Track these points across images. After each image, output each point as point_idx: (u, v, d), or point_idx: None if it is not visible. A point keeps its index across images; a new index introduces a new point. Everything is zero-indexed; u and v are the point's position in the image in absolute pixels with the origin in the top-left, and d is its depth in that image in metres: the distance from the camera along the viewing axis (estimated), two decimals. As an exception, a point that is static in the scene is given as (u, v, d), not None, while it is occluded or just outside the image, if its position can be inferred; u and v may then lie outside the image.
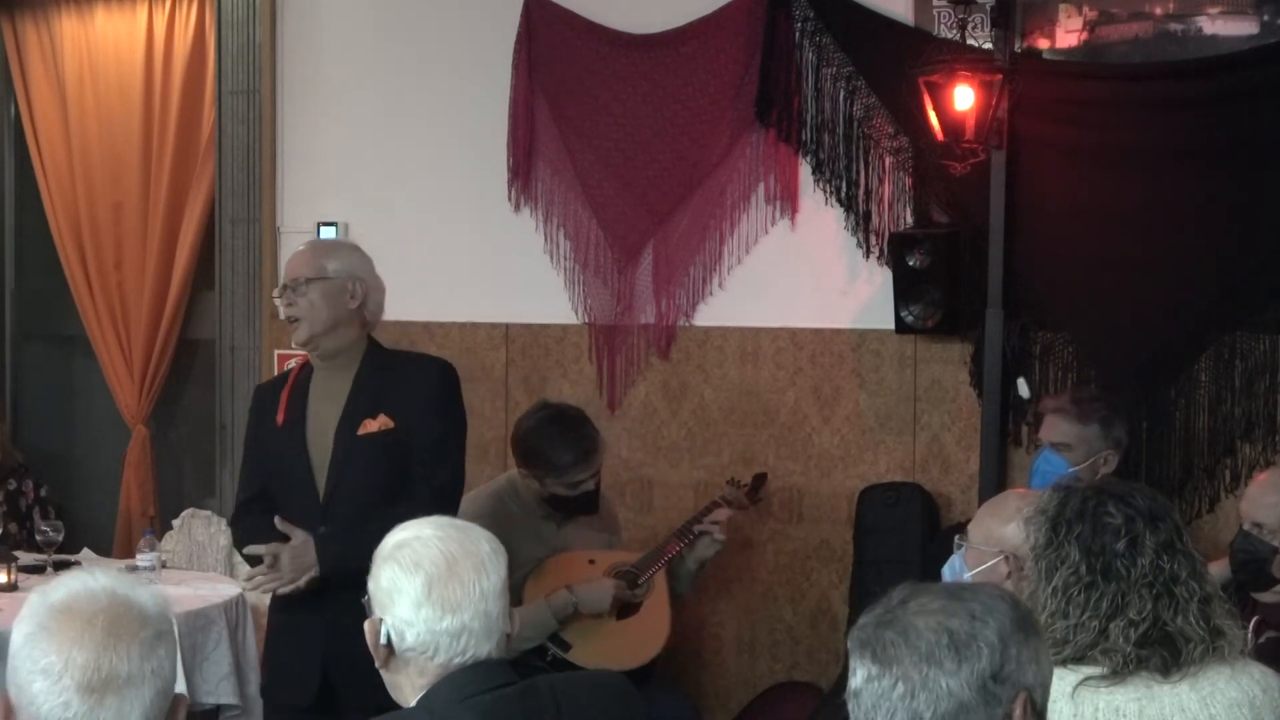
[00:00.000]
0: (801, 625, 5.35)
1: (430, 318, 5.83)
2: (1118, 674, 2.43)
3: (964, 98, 4.68)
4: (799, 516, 5.32)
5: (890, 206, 5.09)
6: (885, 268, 5.07)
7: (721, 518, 4.76)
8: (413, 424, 3.75)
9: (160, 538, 5.61)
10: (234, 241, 6.28)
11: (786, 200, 5.27)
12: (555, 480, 4.51)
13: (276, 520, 3.71)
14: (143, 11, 6.67)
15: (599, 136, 5.54)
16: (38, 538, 5.18)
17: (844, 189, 5.15)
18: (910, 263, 4.90)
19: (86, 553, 5.52)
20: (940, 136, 4.75)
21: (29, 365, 7.25)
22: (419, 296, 5.67)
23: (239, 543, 3.90)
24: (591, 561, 4.61)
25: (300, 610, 3.76)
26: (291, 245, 5.61)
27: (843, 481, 5.24)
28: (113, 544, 6.57)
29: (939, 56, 4.78)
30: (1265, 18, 4.63)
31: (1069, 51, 4.88)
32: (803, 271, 5.28)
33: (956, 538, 3.07)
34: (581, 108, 5.56)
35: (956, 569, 3.03)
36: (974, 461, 4.98)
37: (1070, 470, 4.17)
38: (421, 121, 5.89)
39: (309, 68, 6.13)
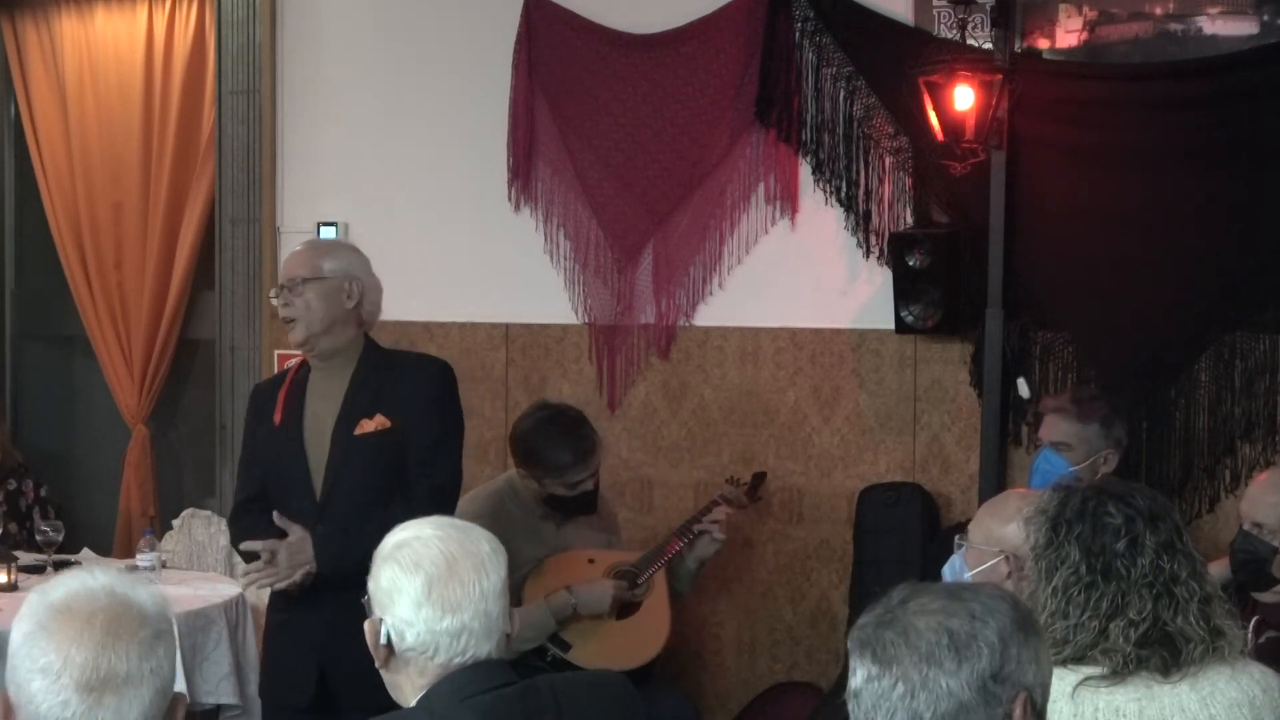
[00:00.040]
0: (801, 625, 5.35)
1: (430, 318, 5.83)
2: (1118, 674, 2.43)
3: (964, 98, 4.68)
4: (799, 516, 5.32)
5: (890, 206, 5.09)
6: (885, 268, 5.07)
7: (721, 517, 4.76)
8: (410, 424, 3.74)
9: (160, 538, 5.61)
10: (234, 241, 6.28)
11: (786, 200, 5.27)
12: (554, 480, 4.51)
13: (275, 516, 3.71)
14: (143, 11, 6.67)
15: (599, 136, 5.54)
16: (38, 538, 5.17)
17: (844, 189, 5.15)
18: (910, 263, 4.90)
19: (86, 553, 5.51)
20: (940, 136, 4.76)
21: (29, 365, 7.25)
22: (419, 296, 5.68)
23: (236, 539, 3.89)
24: (591, 561, 4.61)
25: (298, 610, 3.76)
26: (291, 245, 5.60)
27: (843, 481, 5.24)
28: (113, 544, 6.57)
29: (939, 56, 4.78)
30: (1265, 18, 4.63)
31: (1069, 51, 4.88)
32: (803, 271, 5.27)
33: (957, 538, 3.07)
34: (581, 108, 5.56)
35: (957, 569, 3.03)
36: (974, 461, 4.98)
37: (1070, 470, 4.17)
38: (421, 121, 5.89)
39: (309, 68, 6.12)
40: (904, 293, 4.93)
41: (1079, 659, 2.46)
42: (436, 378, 3.86)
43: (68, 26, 6.85)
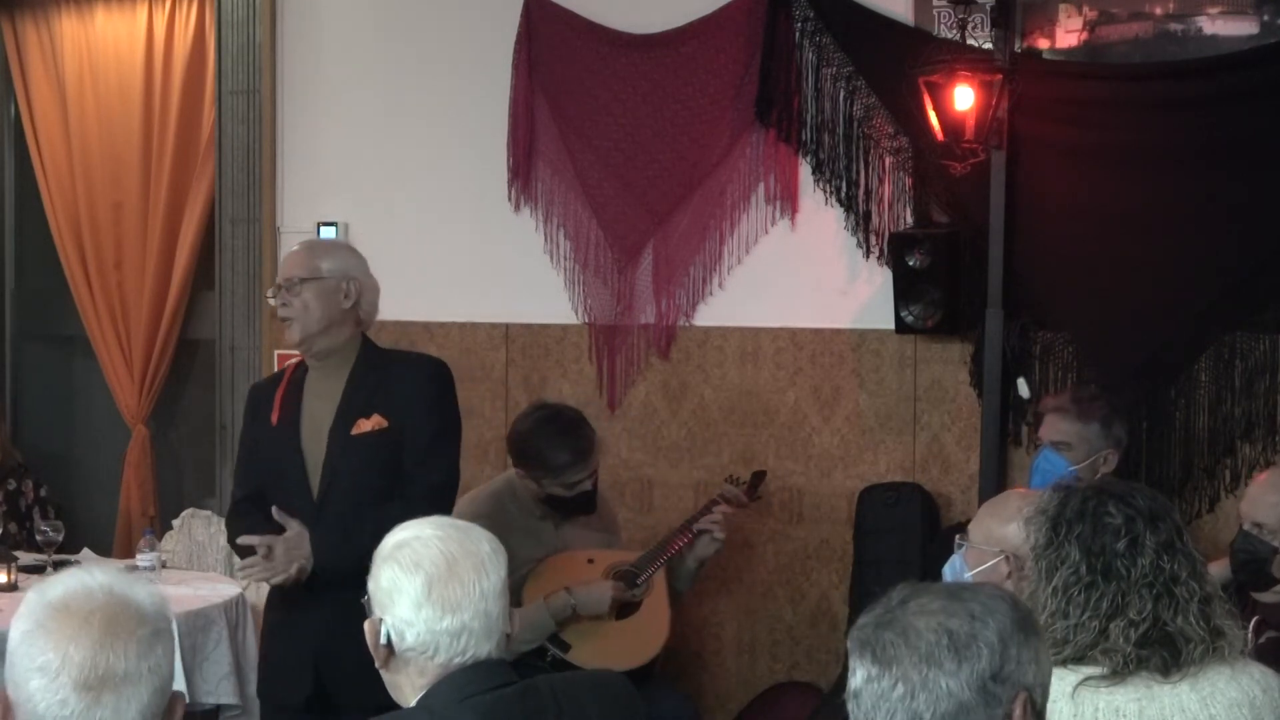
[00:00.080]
0: (801, 625, 5.35)
1: (430, 318, 5.83)
2: (1118, 674, 2.43)
3: (964, 98, 4.68)
4: (799, 516, 5.32)
5: (890, 206, 5.09)
6: (885, 268, 5.07)
7: (720, 516, 4.76)
8: (407, 423, 3.74)
9: (160, 538, 5.61)
10: (234, 241, 6.28)
11: (786, 200, 5.27)
12: (552, 481, 4.51)
13: (274, 510, 3.71)
14: (143, 11, 6.67)
15: (599, 136, 5.54)
16: (38, 538, 5.17)
17: (844, 189, 5.15)
18: (910, 263, 4.90)
19: (86, 553, 5.51)
20: (940, 136, 4.75)
21: (29, 365, 7.25)
22: (419, 296, 5.68)
23: (233, 535, 3.87)
24: (590, 561, 4.61)
25: (295, 609, 3.76)
26: (291, 245, 5.60)
27: (843, 481, 5.24)
28: (113, 544, 6.57)
29: (939, 56, 4.78)
30: (1265, 18, 4.63)
31: (1069, 51, 4.87)
32: (803, 271, 5.27)
33: (957, 537, 3.08)
34: (581, 108, 5.56)
35: (957, 569, 3.03)
36: (974, 461, 4.98)
37: (1070, 469, 4.17)
38: (421, 121, 5.89)
39: (309, 68, 6.12)
40: (904, 293, 4.93)
41: (1079, 659, 2.46)
42: (433, 377, 3.86)
43: (68, 26, 6.85)
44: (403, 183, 5.93)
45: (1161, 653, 2.43)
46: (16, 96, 7.02)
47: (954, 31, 4.92)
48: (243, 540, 3.75)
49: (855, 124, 5.12)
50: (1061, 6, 4.86)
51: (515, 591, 4.28)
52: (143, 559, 4.98)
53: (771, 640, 5.39)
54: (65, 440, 7.25)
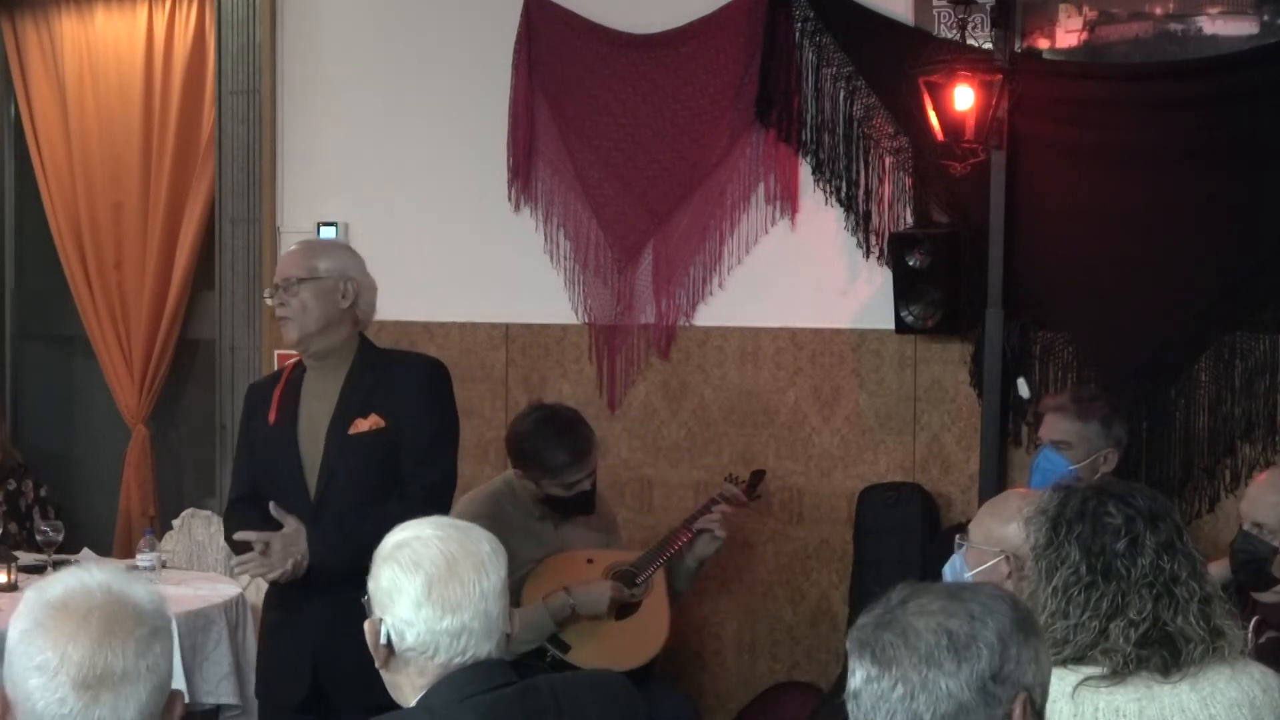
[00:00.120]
0: (801, 625, 5.34)
1: (430, 318, 5.83)
2: (1118, 674, 2.43)
3: (964, 98, 4.68)
4: (799, 516, 5.32)
5: (890, 206, 5.09)
6: (885, 268, 5.07)
7: (720, 515, 4.75)
8: (404, 423, 3.74)
9: (160, 538, 5.61)
10: (234, 241, 6.28)
11: (786, 200, 5.27)
12: (551, 481, 4.51)
13: (271, 506, 3.70)
14: (143, 11, 6.67)
15: (599, 136, 5.54)
16: (38, 538, 5.18)
17: (844, 189, 5.15)
18: (910, 263, 4.89)
19: (86, 553, 5.51)
20: (940, 136, 4.75)
21: (29, 365, 7.25)
22: (419, 296, 5.68)
23: (229, 531, 3.86)
24: (590, 561, 4.61)
25: (293, 608, 3.76)
26: (291, 245, 5.61)
27: (843, 481, 5.24)
28: (113, 544, 6.57)
29: (939, 56, 4.78)
30: (1265, 18, 4.63)
31: (1069, 51, 4.87)
32: (803, 271, 5.27)
33: (957, 537, 3.07)
34: (581, 108, 5.56)
35: (957, 569, 3.03)
36: (974, 461, 4.98)
37: (1070, 468, 4.17)
38: (421, 121, 5.88)
39: (309, 68, 6.12)
40: (904, 293, 4.93)
41: (1079, 659, 2.46)
42: (431, 377, 3.86)
43: (68, 26, 6.85)
44: (403, 183, 5.93)
45: (1161, 653, 2.43)
46: (16, 96, 7.02)
47: (954, 31, 4.92)
48: (240, 536, 3.74)
49: (855, 124, 5.12)
50: (1061, 6, 4.86)
51: (514, 592, 4.27)
52: (143, 559, 4.99)
53: (771, 640, 5.39)
54: (65, 440, 7.25)
